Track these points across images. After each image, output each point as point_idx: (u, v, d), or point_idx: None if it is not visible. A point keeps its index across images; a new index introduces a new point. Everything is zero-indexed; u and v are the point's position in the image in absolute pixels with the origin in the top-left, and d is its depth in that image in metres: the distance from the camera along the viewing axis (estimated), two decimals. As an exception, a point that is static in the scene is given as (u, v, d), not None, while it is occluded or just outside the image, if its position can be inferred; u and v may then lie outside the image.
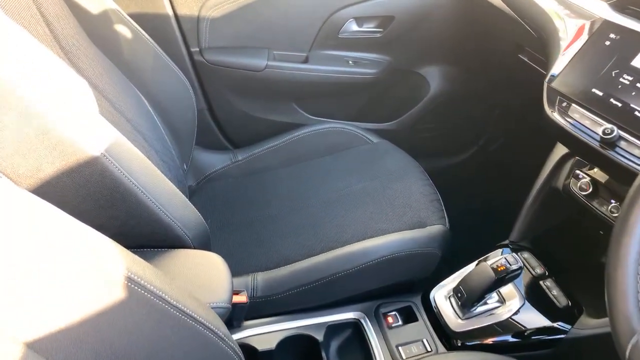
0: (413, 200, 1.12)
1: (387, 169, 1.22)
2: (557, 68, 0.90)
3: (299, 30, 1.36)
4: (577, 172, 0.95)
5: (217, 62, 1.34)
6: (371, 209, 1.10)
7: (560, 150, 1.00)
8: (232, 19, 1.31)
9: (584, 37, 0.88)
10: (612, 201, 0.89)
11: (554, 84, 0.89)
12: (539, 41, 1.08)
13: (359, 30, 1.40)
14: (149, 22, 1.23)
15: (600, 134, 0.78)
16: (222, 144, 1.46)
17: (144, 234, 0.76)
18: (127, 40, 1.07)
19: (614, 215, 0.88)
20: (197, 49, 1.33)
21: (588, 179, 0.92)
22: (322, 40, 1.39)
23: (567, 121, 0.85)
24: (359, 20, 1.38)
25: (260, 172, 1.31)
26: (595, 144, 0.80)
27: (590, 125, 0.82)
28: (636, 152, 0.75)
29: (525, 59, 1.21)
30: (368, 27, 1.40)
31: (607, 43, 0.84)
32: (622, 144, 0.77)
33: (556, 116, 0.86)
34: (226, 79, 1.37)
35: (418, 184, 1.17)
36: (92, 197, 0.69)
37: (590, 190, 0.92)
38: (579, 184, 0.94)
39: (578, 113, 0.84)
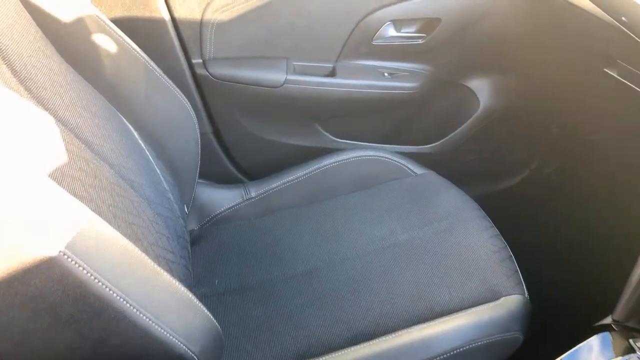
0: (480, 258, 0.87)
1: (440, 213, 0.98)
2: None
3: (325, 36, 1.11)
4: None
5: (224, 77, 1.09)
6: (426, 272, 0.86)
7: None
8: (243, 23, 1.05)
9: None
10: None
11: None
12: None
13: (397, 36, 1.14)
14: (139, 29, 0.98)
15: None
16: (231, 175, 1.22)
17: (129, 356, 0.52)
18: (111, 55, 0.82)
19: None
20: (200, 61, 1.08)
21: None
22: (353, 48, 1.14)
23: None
24: (398, 24, 1.13)
25: (279, 211, 1.06)
26: None
27: None
28: None
29: (614, 74, 0.96)
30: (408, 31, 1.15)
31: None
32: None
33: None
34: (236, 97, 1.13)
35: (482, 235, 0.92)
36: (47, 311, 0.45)
37: None
38: None
39: None
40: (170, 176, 0.92)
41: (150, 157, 0.86)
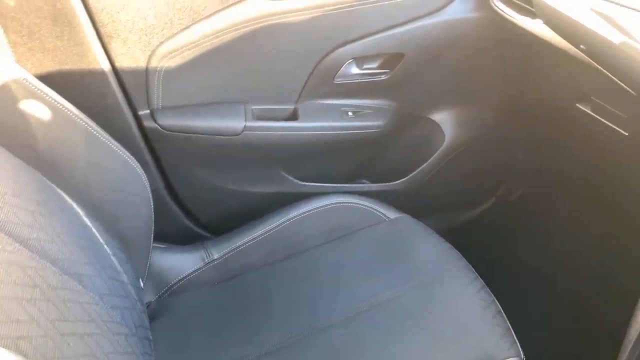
0: (470, 319, 0.82)
1: (421, 266, 0.91)
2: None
3: (285, 77, 1.03)
4: None
5: (175, 128, 0.99)
6: (416, 340, 0.79)
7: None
8: (194, 68, 0.95)
9: None
10: None
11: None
12: (615, 88, 0.81)
13: (360, 73, 1.08)
14: (75, 84, 0.87)
15: None
16: (190, 232, 1.11)
17: None
18: (43, 123, 0.70)
19: None
20: (148, 111, 0.97)
21: None
22: (314, 88, 1.06)
23: None
24: (360, 61, 1.07)
25: (246, 274, 0.96)
26: None
27: None
28: None
29: (587, 110, 0.94)
30: (371, 67, 1.09)
31: None
32: None
33: None
34: (190, 149, 1.02)
35: (469, 289, 0.87)
36: None
37: None
38: None
39: None
40: (122, 251, 0.81)
41: (98, 236, 0.74)
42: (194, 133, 0.99)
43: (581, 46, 0.84)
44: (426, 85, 1.14)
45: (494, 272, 1.00)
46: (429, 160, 1.23)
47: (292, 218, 1.01)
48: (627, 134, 0.86)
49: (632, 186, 0.91)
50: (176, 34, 0.91)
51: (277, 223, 1.01)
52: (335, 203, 1.04)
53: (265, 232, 1.00)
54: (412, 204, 1.09)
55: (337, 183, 1.21)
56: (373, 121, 1.13)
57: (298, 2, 0.95)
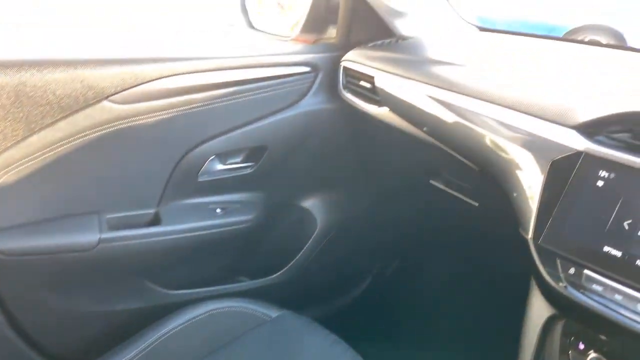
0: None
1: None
2: (539, 220, 0.68)
3: (142, 180, 0.97)
4: (577, 342, 0.73)
5: (16, 251, 0.86)
6: None
7: (541, 309, 0.77)
8: (34, 182, 0.85)
9: (557, 177, 0.68)
10: (639, 379, 0.67)
11: (544, 242, 0.67)
12: (460, 164, 0.88)
13: (224, 169, 1.06)
14: None
15: (652, 315, 0.56)
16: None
17: None
18: None
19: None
20: (-22, 236, 0.84)
21: (597, 353, 0.70)
22: (177, 189, 1.01)
23: (588, 296, 0.62)
24: (223, 156, 1.05)
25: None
26: (642, 330, 0.58)
27: (624, 301, 0.60)
28: None
29: (440, 185, 1.01)
30: (235, 162, 1.07)
31: (600, 184, 0.65)
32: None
33: (573, 292, 0.63)
34: (35, 272, 0.89)
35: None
36: None
37: (608, 369, 0.69)
38: (587, 361, 0.71)
39: (599, 283, 0.62)
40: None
41: None
42: (38, 254, 0.87)
43: (424, 129, 0.91)
44: (292, 174, 1.15)
45: (381, 349, 0.98)
46: (304, 248, 1.22)
47: (165, 334, 0.91)
48: (477, 204, 0.93)
49: (488, 250, 0.98)
50: (9, 147, 0.82)
51: (148, 342, 0.89)
52: (212, 310, 0.96)
53: (136, 355, 0.88)
54: (294, 296, 1.05)
55: (212, 286, 1.14)
56: (243, 215, 1.10)
57: (149, 103, 0.91)
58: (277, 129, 1.06)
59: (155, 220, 1.00)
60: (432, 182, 1.02)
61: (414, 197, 1.13)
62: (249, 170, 1.07)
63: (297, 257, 1.22)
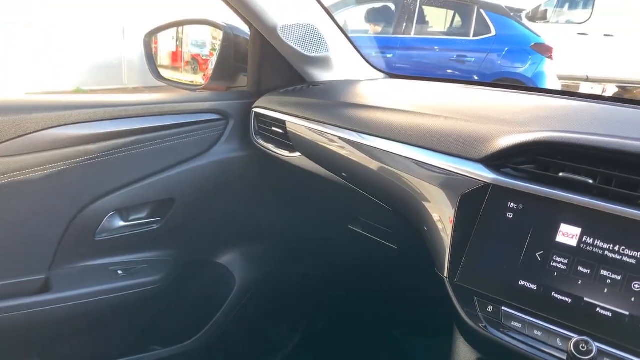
0: None
1: None
2: (453, 258, 0.65)
3: (29, 242, 0.86)
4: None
5: None
6: None
7: (467, 353, 0.72)
8: None
9: (467, 211, 0.66)
10: None
11: (460, 281, 0.63)
12: (376, 207, 0.85)
13: (126, 225, 0.97)
14: None
15: (572, 349, 0.53)
16: None
17: None
18: None
19: None
20: None
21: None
22: (70, 250, 0.91)
23: (507, 335, 0.58)
24: (125, 212, 0.96)
25: None
26: (566, 368, 0.54)
27: (544, 337, 0.57)
28: (631, 371, 0.52)
29: (359, 230, 0.97)
30: (138, 218, 0.98)
31: (510, 216, 0.63)
32: (604, 360, 0.53)
33: (492, 331, 0.59)
34: None
35: None
36: None
37: (537, 412, 0.65)
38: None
39: (517, 320, 0.58)
40: None
41: None
42: None
43: (340, 173, 0.88)
44: (205, 229, 1.07)
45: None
46: (222, 308, 1.13)
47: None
48: (395, 247, 0.90)
49: (413, 294, 0.94)
50: None
51: None
52: None
53: None
54: None
55: (120, 358, 1.01)
56: (150, 276, 1.00)
57: (35, 155, 0.83)
58: (186, 179, 1.00)
59: (45, 288, 0.88)
60: (350, 227, 0.98)
61: (334, 244, 1.09)
62: (154, 227, 0.99)
63: (214, 319, 1.12)
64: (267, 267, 1.18)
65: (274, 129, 1.00)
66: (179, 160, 0.99)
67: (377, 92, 1.06)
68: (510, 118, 0.80)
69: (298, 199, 1.07)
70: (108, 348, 1.00)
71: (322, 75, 1.10)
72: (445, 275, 0.64)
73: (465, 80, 1.14)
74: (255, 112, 1.04)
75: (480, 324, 0.60)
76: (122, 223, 0.96)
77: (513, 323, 0.58)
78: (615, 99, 0.91)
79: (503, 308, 0.59)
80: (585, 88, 5.06)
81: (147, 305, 1.02)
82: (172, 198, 0.99)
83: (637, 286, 0.54)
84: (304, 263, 1.19)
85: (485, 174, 0.67)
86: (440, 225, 0.69)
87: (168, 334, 1.09)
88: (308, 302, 1.30)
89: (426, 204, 0.72)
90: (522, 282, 0.59)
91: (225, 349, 1.15)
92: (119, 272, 0.97)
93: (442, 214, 0.69)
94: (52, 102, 0.86)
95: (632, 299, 0.54)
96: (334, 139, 0.87)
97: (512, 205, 0.64)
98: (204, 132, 1.02)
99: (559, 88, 5.04)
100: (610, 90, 4.83)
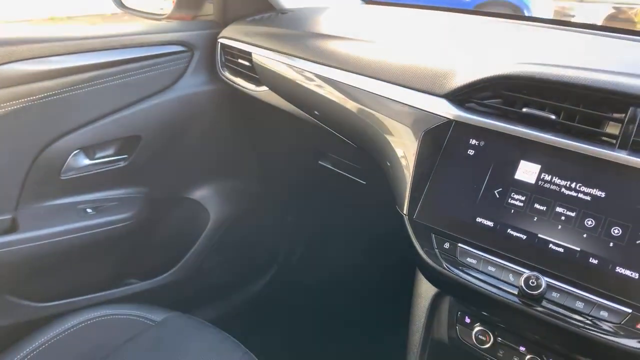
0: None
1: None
2: (413, 195, 0.64)
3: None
4: (464, 316, 0.71)
5: None
6: None
7: (427, 287, 0.74)
8: None
9: (429, 148, 0.65)
10: (522, 348, 0.66)
11: (418, 218, 0.63)
12: (345, 144, 0.83)
13: (92, 164, 0.95)
14: None
15: (522, 285, 0.54)
16: None
17: None
18: None
19: (534, 371, 0.65)
20: None
21: (483, 326, 0.68)
22: (36, 189, 0.89)
23: (463, 271, 0.59)
24: (90, 150, 0.94)
25: None
26: (515, 301, 0.55)
27: (497, 273, 0.57)
28: (577, 304, 0.53)
29: (328, 166, 0.96)
30: (105, 155, 0.96)
31: (471, 152, 0.62)
32: (553, 295, 0.54)
33: (446, 265, 0.59)
34: None
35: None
36: None
37: (491, 341, 0.68)
38: (473, 334, 0.69)
39: (472, 257, 0.59)
40: None
41: None
42: None
43: (309, 109, 0.86)
44: (176, 165, 1.06)
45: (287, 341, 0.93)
46: (197, 243, 1.14)
47: (33, 351, 0.80)
48: (364, 183, 0.90)
49: (383, 230, 0.94)
50: None
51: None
52: (88, 320, 0.86)
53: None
54: (189, 295, 0.97)
55: (93, 293, 1.03)
56: (121, 214, 1.00)
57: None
58: (151, 115, 0.97)
59: (13, 228, 0.88)
60: (321, 163, 0.97)
61: (306, 180, 1.08)
62: (122, 164, 0.97)
63: (190, 253, 1.13)
64: (242, 202, 1.18)
65: (240, 61, 0.96)
66: (143, 96, 0.96)
67: (348, 21, 1.01)
68: (481, 50, 0.77)
69: (268, 134, 1.05)
70: (80, 284, 1.02)
71: (292, 2, 1.05)
72: (405, 212, 0.64)
73: (446, 7, 1.08)
74: (221, 43, 1.00)
75: (436, 261, 0.61)
76: (87, 161, 0.94)
77: (468, 259, 0.59)
78: (602, 28, 0.87)
79: (459, 245, 0.60)
80: (580, 10, 4.92)
81: (119, 242, 1.02)
82: (138, 135, 0.97)
83: (589, 222, 0.54)
84: (278, 198, 1.19)
85: (448, 110, 0.65)
86: (403, 162, 0.68)
87: (143, 268, 1.10)
88: (283, 236, 1.32)
89: (390, 141, 0.71)
90: (479, 219, 0.60)
91: (201, 282, 1.17)
92: (88, 210, 0.96)
93: (405, 151, 0.68)
94: (3, 37, 0.81)
95: (584, 235, 0.54)
96: (299, 72, 0.84)
97: (473, 141, 0.62)
98: (169, 65, 0.98)
99: (551, 13, 4.89)
100: (605, 10, 4.70)
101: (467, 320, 0.70)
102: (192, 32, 1.00)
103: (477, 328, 0.68)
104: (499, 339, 0.67)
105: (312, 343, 1.18)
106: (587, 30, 0.86)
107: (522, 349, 0.66)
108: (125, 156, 0.97)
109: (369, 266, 1.12)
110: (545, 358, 0.65)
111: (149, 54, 0.95)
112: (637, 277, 0.51)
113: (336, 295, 1.22)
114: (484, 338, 0.68)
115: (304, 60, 0.84)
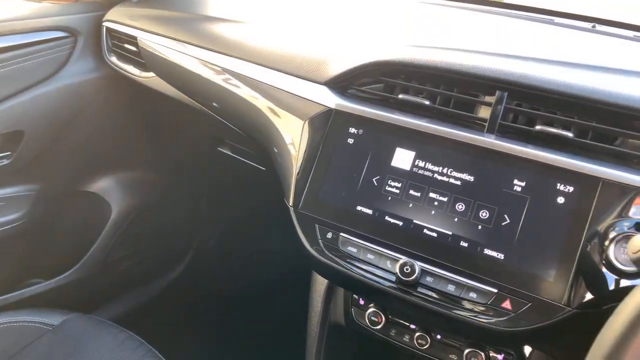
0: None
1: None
2: (298, 186, 0.63)
3: None
4: (358, 298, 0.72)
5: None
6: None
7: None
8: None
9: (312, 138, 0.64)
10: (412, 326, 0.69)
11: (303, 209, 0.63)
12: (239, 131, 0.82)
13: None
14: None
15: (397, 272, 0.55)
16: None
17: None
18: None
19: (423, 347, 0.68)
20: None
21: (375, 307, 0.70)
22: None
23: (345, 260, 0.59)
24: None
25: None
26: (391, 287, 0.57)
27: (376, 260, 0.58)
28: (449, 287, 0.55)
29: (228, 152, 0.94)
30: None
31: (350, 141, 0.62)
32: (427, 279, 0.56)
33: (329, 256, 0.60)
34: None
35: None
36: None
37: (383, 321, 0.69)
38: (366, 315, 0.71)
39: (353, 245, 0.60)
40: None
41: None
42: None
43: (214, 104, 0.82)
44: (68, 158, 1.00)
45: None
46: (100, 237, 1.09)
47: None
48: (264, 169, 0.89)
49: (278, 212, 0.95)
50: None
51: None
52: None
53: None
54: (94, 291, 0.93)
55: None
56: (11, 214, 0.93)
57: None
58: (33, 108, 0.90)
59: None
60: (220, 149, 0.94)
61: (208, 167, 1.06)
62: (5, 162, 0.90)
63: (92, 250, 1.08)
64: (146, 193, 1.13)
65: (126, 46, 0.91)
66: (21, 87, 0.88)
67: (242, 1, 0.97)
68: (366, 35, 0.76)
69: (162, 122, 1.01)
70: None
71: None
72: (290, 204, 0.64)
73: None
74: (106, 27, 0.94)
75: (320, 252, 0.61)
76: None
77: (349, 248, 0.60)
78: (521, 7, 0.88)
79: (341, 234, 0.60)
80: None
81: (13, 243, 0.96)
82: (20, 130, 0.90)
83: (460, 207, 0.56)
84: (184, 186, 1.15)
85: (328, 98, 0.64)
86: (288, 153, 0.67)
87: (44, 268, 1.05)
88: (195, 226, 1.29)
89: (277, 129, 0.69)
90: (359, 208, 0.60)
91: (108, 278, 1.13)
92: (-31, 214, 0.90)
93: (289, 140, 0.67)
94: None
95: (455, 219, 0.56)
96: (185, 57, 0.80)
97: (352, 130, 0.62)
98: (49, 53, 0.90)
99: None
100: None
101: (361, 302, 0.72)
102: (75, 16, 0.93)
103: (370, 309, 0.70)
104: (390, 317, 0.69)
105: (220, 335, 1.18)
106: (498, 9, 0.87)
107: (412, 326, 0.69)
108: (9, 153, 0.90)
109: (278, 252, 1.12)
110: (433, 334, 0.68)
111: (25, 41, 0.88)
112: (502, 257, 0.53)
113: (245, 282, 1.21)
114: (375, 319, 0.70)
115: (189, 45, 0.80)
